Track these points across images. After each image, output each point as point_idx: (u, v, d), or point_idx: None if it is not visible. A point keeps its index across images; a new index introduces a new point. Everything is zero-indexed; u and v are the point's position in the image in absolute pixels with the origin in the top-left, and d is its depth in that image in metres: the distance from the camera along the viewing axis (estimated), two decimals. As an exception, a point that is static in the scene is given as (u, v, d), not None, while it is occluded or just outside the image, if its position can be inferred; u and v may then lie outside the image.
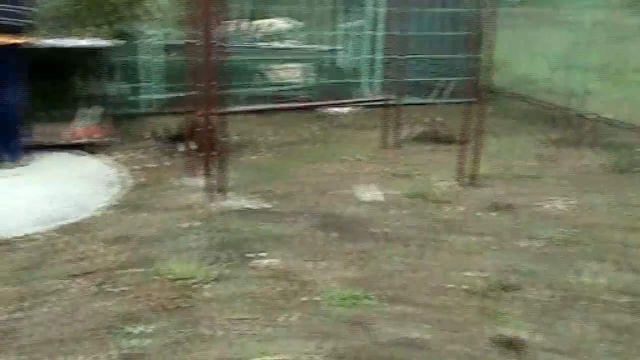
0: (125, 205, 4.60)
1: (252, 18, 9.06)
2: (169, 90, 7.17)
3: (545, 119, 7.73)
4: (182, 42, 6.32)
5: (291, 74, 8.43)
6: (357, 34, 8.50)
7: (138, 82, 7.13)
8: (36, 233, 4.05)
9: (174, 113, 6.44)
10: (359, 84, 8.48)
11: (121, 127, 6.33)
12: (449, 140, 6.45)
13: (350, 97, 8.30)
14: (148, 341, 2.92)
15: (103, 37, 6.22)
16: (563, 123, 7.31)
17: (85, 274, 3.51)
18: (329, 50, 8.66)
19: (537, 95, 8.63)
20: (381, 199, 4.95)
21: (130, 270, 3.58)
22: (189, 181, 5.13)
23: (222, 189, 4.80)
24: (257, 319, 3.14)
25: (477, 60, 5.44)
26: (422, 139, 6.72)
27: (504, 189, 5.25)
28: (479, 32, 5.46)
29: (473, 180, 5.29)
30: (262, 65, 8.34)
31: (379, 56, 8.37)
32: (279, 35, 8.93)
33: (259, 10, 9.11)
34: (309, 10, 9.02)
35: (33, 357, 2.78)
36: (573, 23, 8.09)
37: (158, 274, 3.52)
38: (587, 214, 4.78)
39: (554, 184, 5.48)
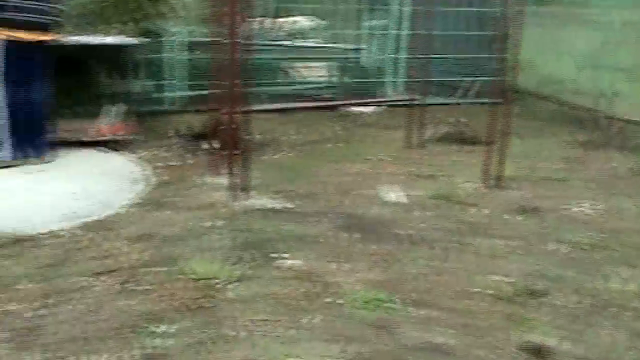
0: (149, 203, 4.60)
1: (276, 16, 9.06)
2: (193, 87, 7.18)
3: (572, 121, 7.61)
4: (206, 39, 6.33)
5: (315, 72, 8.40)
6: (382, 32, 8.44)
7: (162, 79, 7.15)
8: (61, 229, 4.07)
9: (197, 111, 6.45)
10: (382, 83, 8.42)
11: (145, 125, 6.34)
12: (473, 141, 6.38)
13: (374, 97, 8.25)
14: (171, 341, 2.91)
15: (128, 35, 6.24)
16: (590, 125, 7.19)
17: (109, 271, 3.51)
18: (353, 49, 8.61)
19: (564, 96, 8.50)
20: (405, 200, 4.90)
21: (153, 268, 3.58)
22: (212, 179, 5.13)
23: (245, 188, 4.78)
24: (280, 320, 3.12)
25: (503, 60, 5.37)
26: (446, 139, 6.65)
27: (530, 192, 5.17)
28: (505, 32, 5.39)
29: (498, 182, 5.22)
30: (285, 64, 8.32)
31: (403, 55, 8.31)
32: (303, 34, 8.91)
33: (282, 8, 9.10)
34: (333, 9, 8.99)
35: (57, 355, 2.79)
36: (602, 23, 7.95)
37: (181, 273, 3.51)
38: (615, 218, 4.69)
39: (581, 187, 5.39)
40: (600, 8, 8.13)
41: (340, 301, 3.33)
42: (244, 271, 3.57)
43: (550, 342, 3.01)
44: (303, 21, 8.96)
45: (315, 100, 7.96)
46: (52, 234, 4.00)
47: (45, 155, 5.26)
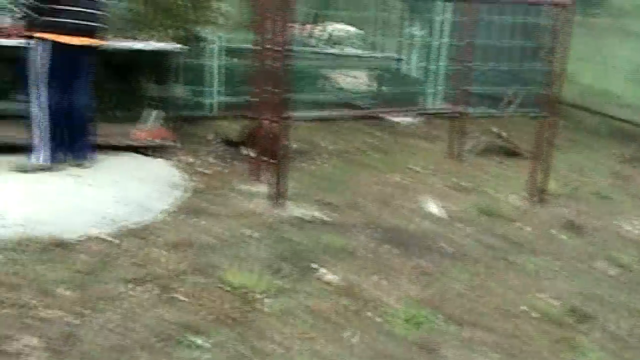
0: (187, 210, 4.56)
1: (315, 23, 9.01)
2: (231, 94, 7.16)
3: (617, 134, 7.41)
4: (245, 46, 6.30)
5: (354, 80, 8.32)
6: (423, 41, 8.33)
7: (201, 85, 7.15)
8: (99, 234, 4.04)
9: (236, 117, 6.42)
10: (423, 92, 8.30)
11: (184, 130, 6.34)
12: (516, 154, 6.23)
13: (414, 106, 8.14)
14: (207, 355, 2.85)
15: (169, 40, 6.25)
16: (637, 139, 6.98)
17: (147, 280, 3.47)
18: (393, 58, 8.51)
19: (609, 108, 8.27)
20: (446, 213, 4.78)
21: (191, 277, 3.53)
22: (250, 187, 5.08)
23: (282, 198, 4.72)
24: (318, 336, 3.04)
25: (550, 71, 5.23)
26: (488, 151, 6.52)
27: (575, 208, 5.02)
28: (551, 42, 5.24)
29: (542, 196, 5.07)
30: (324, 71, 8.26)
31: (444, 65, 8.18)
32: (343, 41, 8.84)
33: (322, 15, 9.05)
34: (374, 17, 8.90)
35: (93, 364, 2.75)
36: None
37: (219, 284, 3.45)
38: (667, 238, 4.52)
39: (629, 204, 5.21)
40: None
41: (381, 318, 3.24)
42: (283, 283, 3.50)
43: (602, 369, 2.89)
44: (343, 29, 8.89)
45: (354, 108, 7.88)
46: (90, 239, 3.98)
47: (85, 160, 5.27)
